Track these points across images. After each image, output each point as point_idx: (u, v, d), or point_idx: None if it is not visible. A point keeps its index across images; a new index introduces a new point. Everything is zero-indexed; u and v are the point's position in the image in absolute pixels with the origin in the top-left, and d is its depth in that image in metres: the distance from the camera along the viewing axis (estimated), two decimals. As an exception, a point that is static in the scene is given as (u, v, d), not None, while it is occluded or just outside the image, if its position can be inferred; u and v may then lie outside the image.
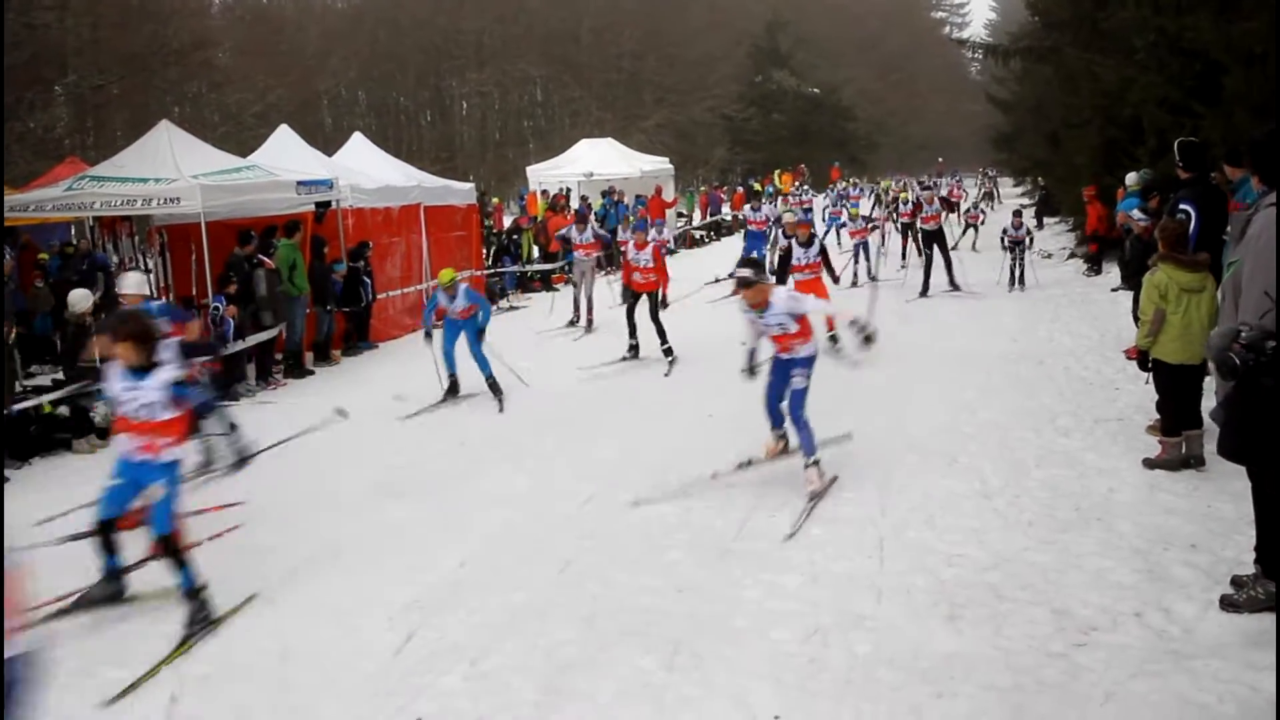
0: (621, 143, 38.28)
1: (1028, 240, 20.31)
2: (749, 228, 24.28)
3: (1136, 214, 12.28)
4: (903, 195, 30.52)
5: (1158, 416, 9.15)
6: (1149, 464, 8.23)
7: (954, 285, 19.28)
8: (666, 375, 13.65)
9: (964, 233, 27.74)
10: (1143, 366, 8.45)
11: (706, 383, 12.15)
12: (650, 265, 14.39)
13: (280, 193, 15.32)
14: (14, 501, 9.17)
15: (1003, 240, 20.40)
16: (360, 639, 6.12)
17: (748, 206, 27.09)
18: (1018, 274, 19.79)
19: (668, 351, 14.12)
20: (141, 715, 5.40)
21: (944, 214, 23.09)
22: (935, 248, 19.39)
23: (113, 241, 18.47)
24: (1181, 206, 8.69)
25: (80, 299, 11.84)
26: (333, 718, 5.24)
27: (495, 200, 31.08)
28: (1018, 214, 20.94)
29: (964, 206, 32.71)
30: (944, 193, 33.56)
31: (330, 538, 7.94)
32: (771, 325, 8.39)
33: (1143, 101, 17.08)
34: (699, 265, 24.31)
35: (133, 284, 11.43)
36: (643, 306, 14.42)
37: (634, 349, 14.45)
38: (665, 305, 15.03)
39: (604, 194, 29.68)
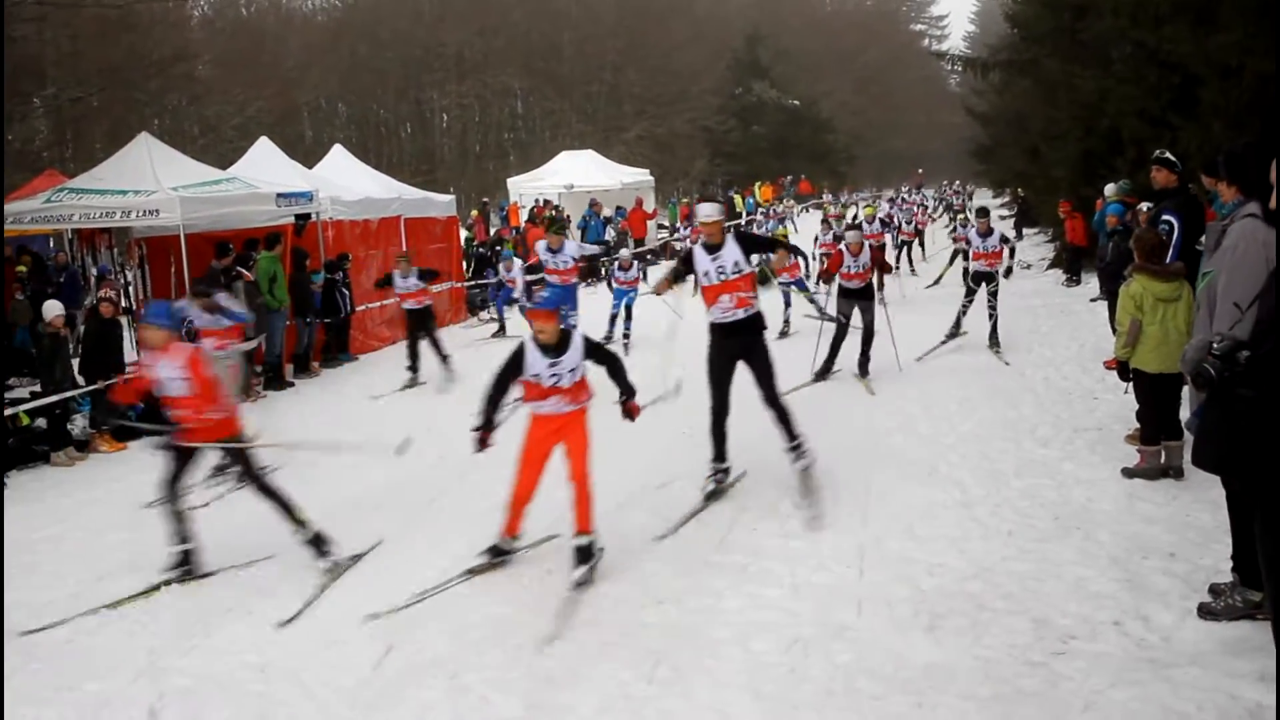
0: (602, 154, 38.33)
1: (1007, 258, 14.61)
2: (549, 278, 15.64)
3: (1145, 205, 12.19)
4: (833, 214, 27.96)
5: (1138, 426, 9.19)
6: (1127, 473, 8.26)
7: (861, 369, 12.93)
8: None
9: (951, 263, 21.53)
10: (1123, 376, 8.47)
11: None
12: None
13: (260, 205, 15.30)
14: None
15: (962, 259, 15.82)
16: (340, 652, 6.09)
17: (542, 244, 16.38)
18: (991, 321, 14.37)
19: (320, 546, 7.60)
20: (120, 730, 5.37)
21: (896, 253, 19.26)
22: (858, 312, 13.10)
23: (91, 254, 18.40)
24: (1165, 217, 8.73)
25: (52, 309, 11.78)
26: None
27: (474, 212, 31.08)
28: (983, 213, 15.07)
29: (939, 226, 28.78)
30: (901, 221, 26.24)
31: (309, 550, 7.90)
32: None
33: (1121, 113, 17.20)
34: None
35: (52, 310, 11.47)
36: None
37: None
38: None
39: (591, 204, 29.72)
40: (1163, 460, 8.16)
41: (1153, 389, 8.11)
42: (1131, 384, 8.43)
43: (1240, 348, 4.96)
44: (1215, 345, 5.00)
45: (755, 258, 8.85)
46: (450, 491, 9.20)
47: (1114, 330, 12.30)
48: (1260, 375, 4.90)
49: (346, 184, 18.67)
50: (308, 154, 29.91)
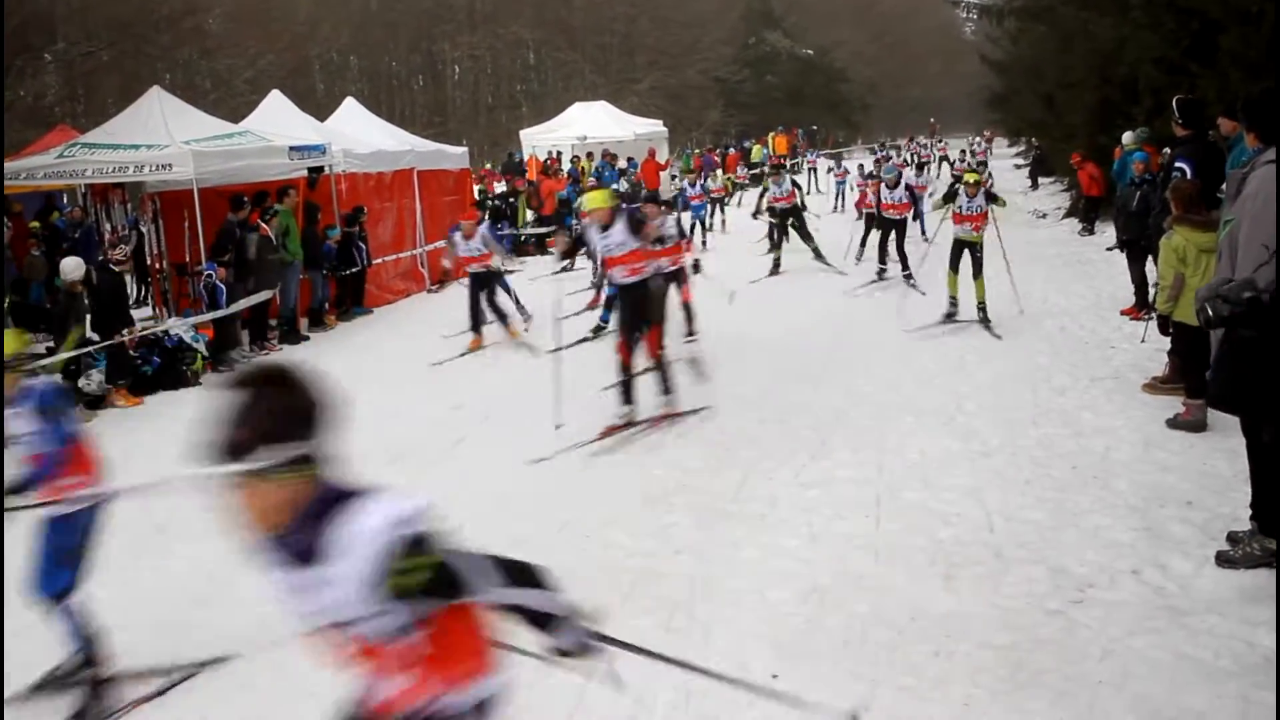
0: (615, 106, 38.15)
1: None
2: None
3: (1168, 151, 12.01)
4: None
5: (1154, 375, 9.16)
6: (1172, 424, 8.09)
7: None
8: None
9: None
10: (1163, 330, 8.39)
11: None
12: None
13: (273, 158, 15.28)
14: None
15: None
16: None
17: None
18: None
19: None
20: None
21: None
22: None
23: (105, 209, 18.40)
24: (1178, 164, 8.66)
25: (72, 268, 11.78)
26: (328, 685, 5.21)
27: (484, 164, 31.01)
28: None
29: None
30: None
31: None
32: None
33: (1138, 60, 17.02)
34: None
35: (71, 268, 11.43)
36: None
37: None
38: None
39: (604, 154, 29.64)
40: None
41: (1193, 342, 7.96)
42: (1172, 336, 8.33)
43: (1245, 288, 4.97)
44: (1224, 287, 5.02)
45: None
46: (470, 439, 9.26)
47: (1133, 279, 12.33)
48: (1261, 316, 4.93)
49: (359, 137, 18.62)
50: (320, 107, 29.81)
